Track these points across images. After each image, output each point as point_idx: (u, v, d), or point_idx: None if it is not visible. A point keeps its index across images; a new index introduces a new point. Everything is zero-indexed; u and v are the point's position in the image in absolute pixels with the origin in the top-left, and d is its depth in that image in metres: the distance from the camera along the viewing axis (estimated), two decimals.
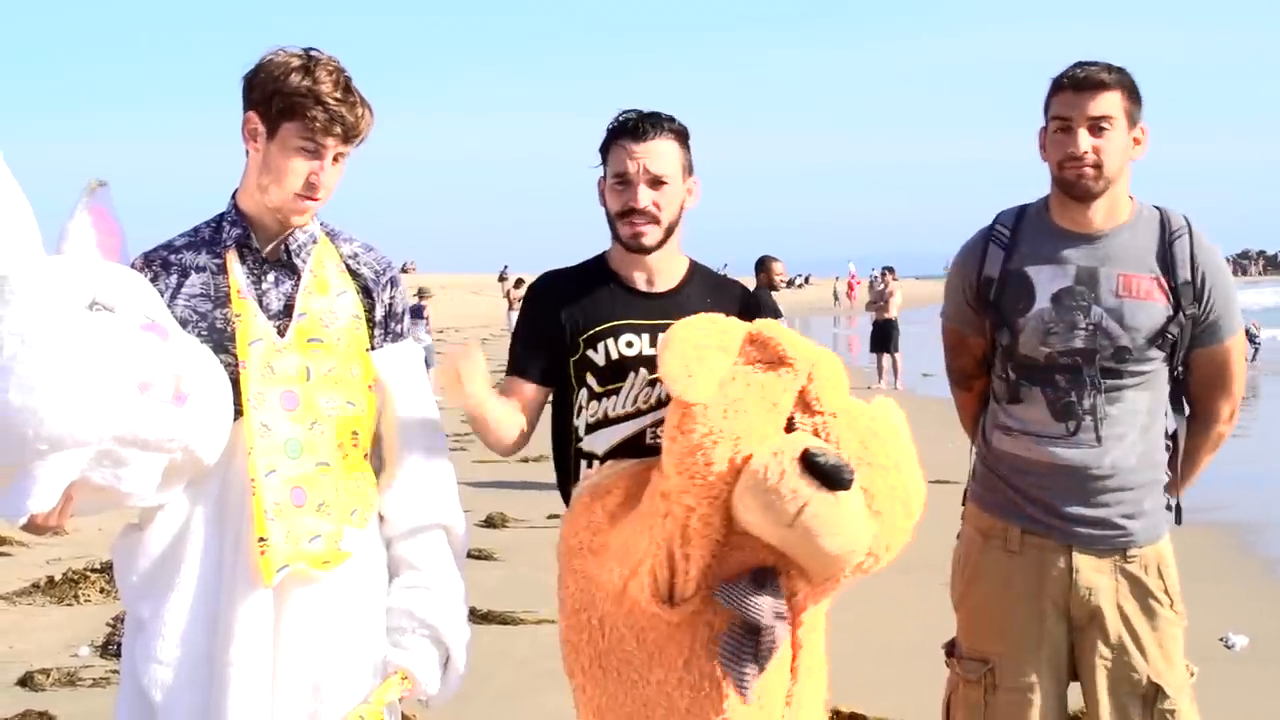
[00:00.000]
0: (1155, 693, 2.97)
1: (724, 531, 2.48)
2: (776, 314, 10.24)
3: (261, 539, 2.38)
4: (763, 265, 10.69)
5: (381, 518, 2.60)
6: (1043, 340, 2.95)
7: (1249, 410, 18.73)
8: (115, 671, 5.32)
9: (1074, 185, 2.92)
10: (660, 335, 2.72)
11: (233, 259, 2.50)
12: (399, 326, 2.65)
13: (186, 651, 2.42)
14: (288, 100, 2.43)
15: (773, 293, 10.47)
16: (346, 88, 2.47)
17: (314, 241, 2.56)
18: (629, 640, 2.61)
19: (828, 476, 2.32)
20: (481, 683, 5.43)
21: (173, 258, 2.53)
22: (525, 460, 12.14)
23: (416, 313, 19.79)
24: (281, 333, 2.47)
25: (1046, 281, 2.96)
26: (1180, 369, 3.03)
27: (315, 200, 2.50)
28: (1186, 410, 3.12)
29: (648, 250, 2.85)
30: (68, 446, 2.15)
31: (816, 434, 2.44)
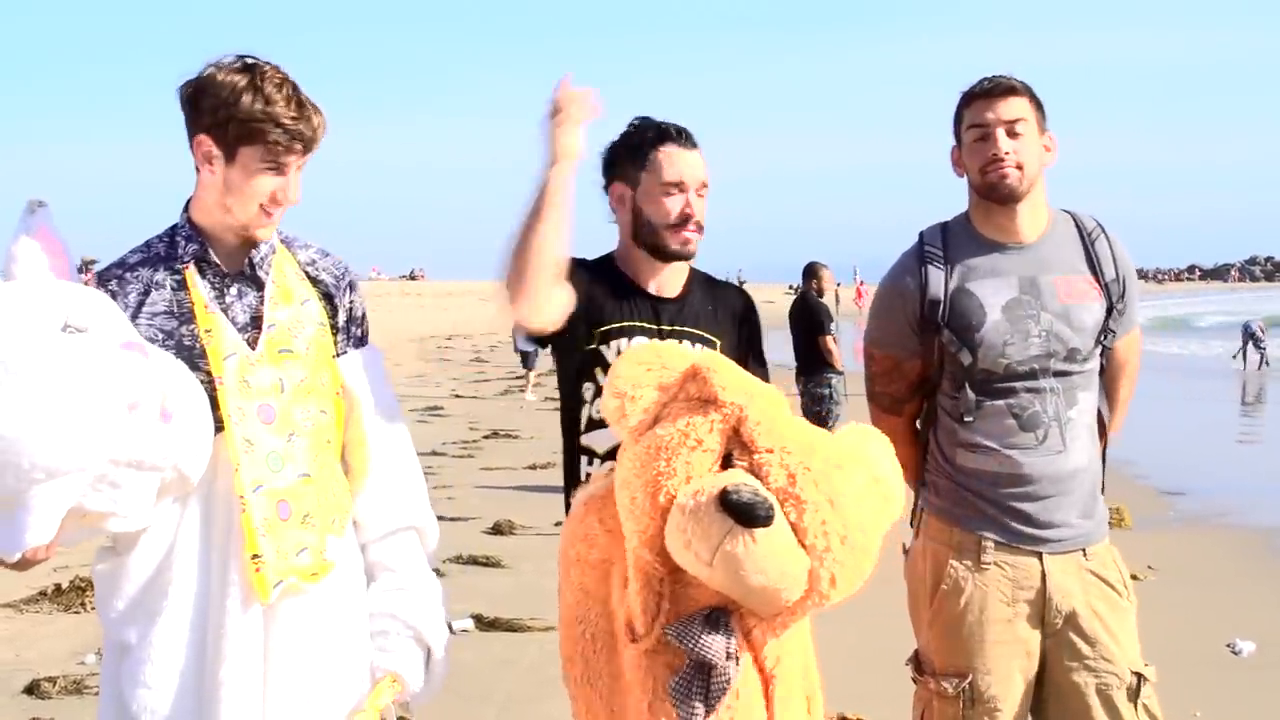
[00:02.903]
0: (1138, 682, 3.00)
1: (665, 570, 2.47)
2: (829, 318, 10.29)
3: (255, 556, 2.35)
4: (812, 272, 10.72)
5: (355, 523, 2.59)
6: (1000, 353, 2.98)
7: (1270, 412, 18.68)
8: None
9: (998, 187, 2.96)
10: (669, 342, 2.74)
11: (193, 274, 2.45)
12: (360, 330, 2.62)
13: (176, 674, 2.38)
14: (245, 126, 2.38)
15: (821, 298, 10.53)
16: (299, 101, 2.42)
17: (273, 251, 2.52)
18: (615, 663, 2.59)
19: (740, 513, 2.31)
20: (488, 689, 5.42)
21: (128, 275, 2.46)
22: (534, 467, 12.18)
23: None
24: (252, 345, 2.44)
25: (992, 295, 2.98)
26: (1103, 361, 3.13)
27: (277, 213, 2.45)
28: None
29: (690, 259, 2.88)
30: (66, 472, 2.09)
31: (751, 471, 2.42)
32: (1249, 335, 26.74)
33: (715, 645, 2.42)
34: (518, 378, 24.10)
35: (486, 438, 14.44)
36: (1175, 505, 9.98)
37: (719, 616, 2.44)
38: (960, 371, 3.02)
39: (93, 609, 6.47)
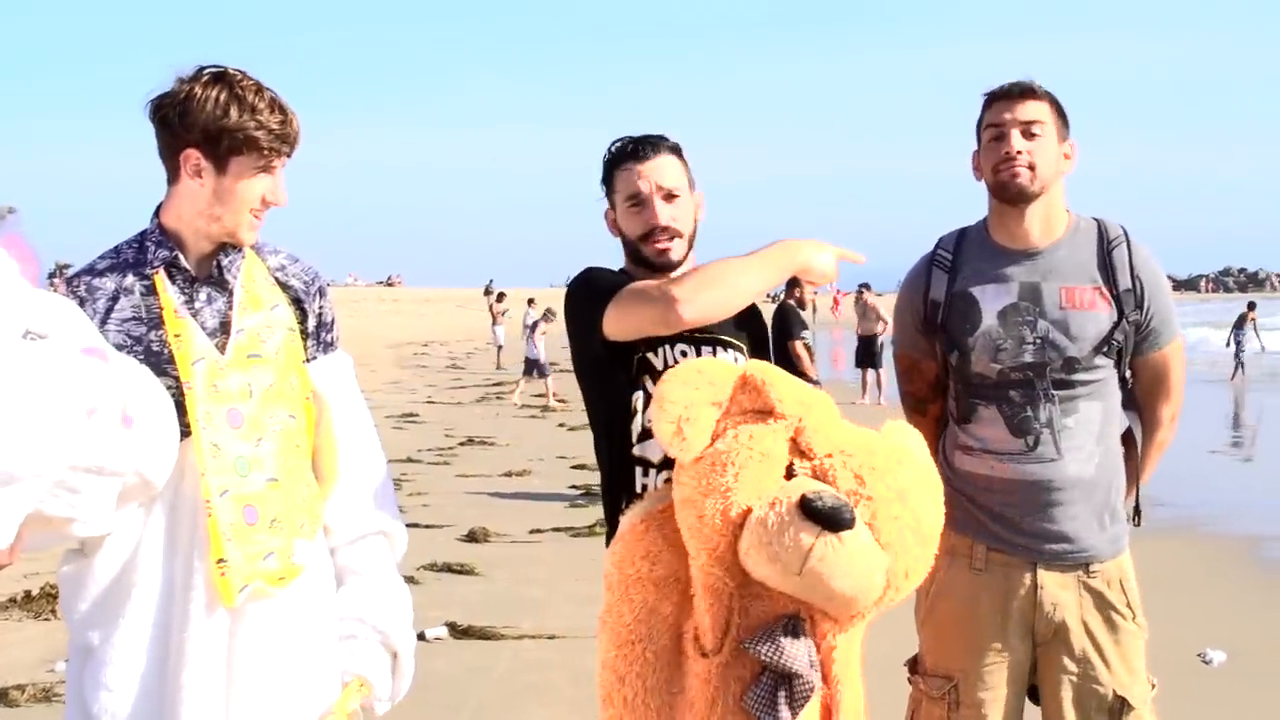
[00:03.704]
0: (1121, 706, 3.00)
1: (734, 584, 2.47)
2: (803, 327, 10.30)
3: (221, 560, 2.36)
4: (794, 280, 10.80)
5: (325, 527, 2.60)
6: (993, 357, 3.00)
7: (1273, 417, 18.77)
8: None
9: (1009, 185, 2.98)
10: (705, 349, 2.78)
11: (162, 279, 2.47)
12: (329, 336, 2.65)
13: (137, 678, 2.38)
14: (236, 137, 2.42)
15: (801, 309, 10.57)
16: (281, 107, 2.47)
17: (241, 256, 2.53)
18: (676, 682, 2.58)
19: (827, 519, 2.31)
20: (461, 698, 5.41)
21: (96, 281, 2.47)
22: (509, 474, 12.15)
23: (533, 327, 20.79)
24: (221, 350, 2.45)
25: (991, 300, 3.01)
26: (1129, 375, 3.10)
27: (265, 215, 2.49)
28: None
29: (674, 266, 2.85)
30: (23, 478, 2.08)
31: (816, 477, 2.43)
32: (1238, 344, 26.43)
33: (799, 653, 2.43)
34: (494, 385, 24.08)
35: (462, 445, 14.40)
36: (1149, 514, 10.04)
37: (796, 624, 2.45)
38: (956, 373, 3.06)
39: (63, 616, 6.46)
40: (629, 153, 2.86)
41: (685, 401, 2.49)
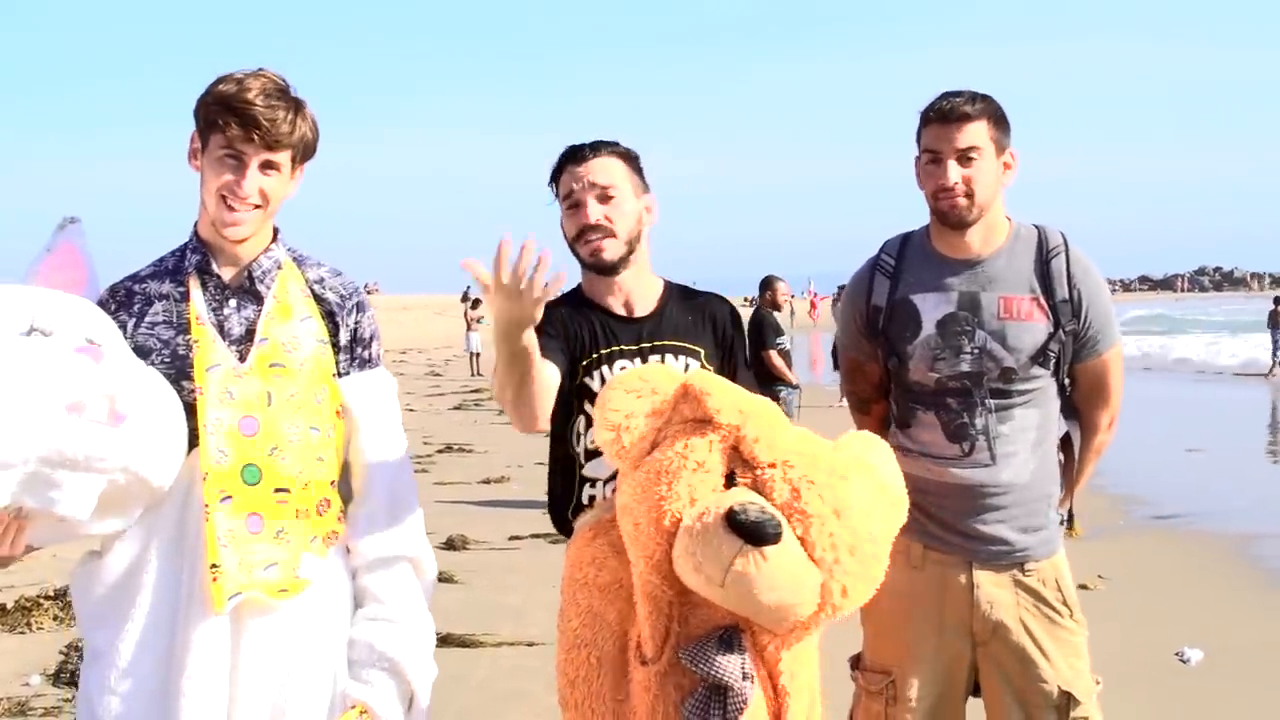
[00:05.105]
0: (1067, 701, 3.02)
1: (673, 593, 2.48)
2: (778, 333, 10.26)
3: (214, 565, 2.35)
4: (767, 285, 10.78)
5: (348, 548, 2.56)
6: (931, 366, 3.01)
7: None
8: (67, 700, 5.23)
9: (948, 215, 2.99)
10: (652, 357, 2.77)
11: (194, 285, 2.48)
12: (366, 352, 2.60)
13: (140, 682, 2.37)
14: (210, 110, 2.43)
15: (775, 312, 10.55)
16: (274, 95, 2.43)
17: (278, 267, 2.53)
18: (620, 689, 2.58)
19: (750, 533, 2.31)
20: (440, 706, 5.36)
21: (137, 287, 2.51)
22: (488, 481, 12.13)
23: None
24: (242, 358, 2.44)
25: (931, 309, 3.02)
26: (1067, 382, 3.12)
27: (242, 210, 2.45)
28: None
29: (609, 266, 2.80)
30: None
31: (755, 488, 2.42)
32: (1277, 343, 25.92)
33: (730, 666, 2.42)
34: (472, 391, 24.03)
35: (440, 452, 14.35)
36: (1127, 513, 10.08)
37: (732, 637, 2.45)
38: (895, 379, 3.09)
39: (39, 629, 6.43)
40: (567, 157, 2.83)
41: (625, 410, 2.50)
